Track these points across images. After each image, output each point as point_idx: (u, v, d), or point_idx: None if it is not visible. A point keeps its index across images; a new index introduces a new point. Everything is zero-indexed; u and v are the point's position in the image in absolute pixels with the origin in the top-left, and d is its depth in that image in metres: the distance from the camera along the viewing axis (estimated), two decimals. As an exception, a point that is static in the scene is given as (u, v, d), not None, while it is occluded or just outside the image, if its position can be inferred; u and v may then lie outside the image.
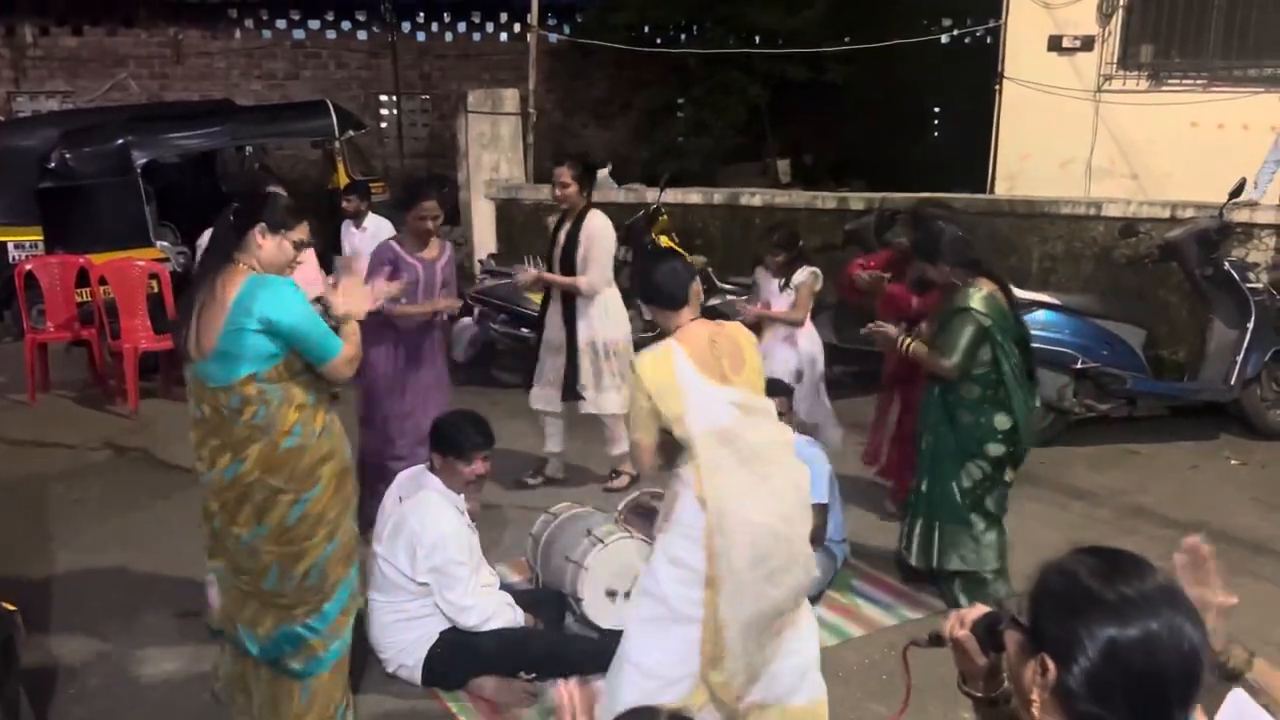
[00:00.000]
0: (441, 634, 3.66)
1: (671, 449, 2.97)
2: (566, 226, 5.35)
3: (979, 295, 4.05)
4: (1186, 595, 1.31)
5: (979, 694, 1.56)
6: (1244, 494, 5.53)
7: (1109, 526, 5.15)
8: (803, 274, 5.41)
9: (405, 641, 3.68)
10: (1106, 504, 5.40)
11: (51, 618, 4.27)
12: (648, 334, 6.45)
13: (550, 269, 5.38)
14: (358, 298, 3.18)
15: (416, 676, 3.69)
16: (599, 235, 5.25)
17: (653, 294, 3.09)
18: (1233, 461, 6.05)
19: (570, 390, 5.36)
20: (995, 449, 4.14)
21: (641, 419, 2.95)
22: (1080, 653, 1.26)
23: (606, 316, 5.38)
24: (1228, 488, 5.64)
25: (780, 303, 5.48)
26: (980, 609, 1.55)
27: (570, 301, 5.37)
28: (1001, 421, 4.11)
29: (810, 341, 5.51)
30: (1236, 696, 1.73)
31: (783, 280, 5.47)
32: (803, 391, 5.34)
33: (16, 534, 5.15)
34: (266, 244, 2.99)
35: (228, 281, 2.93)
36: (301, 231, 3.09)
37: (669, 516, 2.97)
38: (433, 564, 3.57)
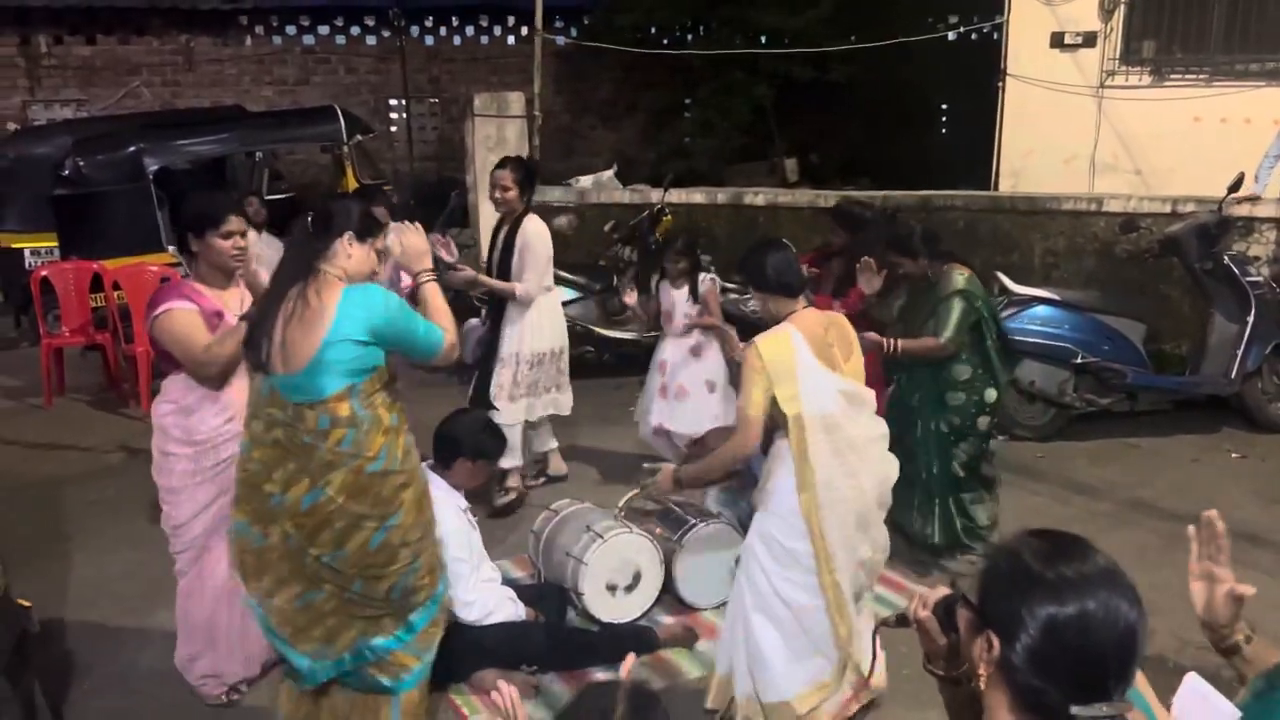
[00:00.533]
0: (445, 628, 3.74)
1: (771, 430, 3.12)
2: (504, 230, 5.24)
3: (963, 277, 4.35)
4: (1126, 577, 1.38)
5: (941, 673, 1.63)
6: (1244, 487, 5.57)
7: (1109, 519, 5.20)
8: (705, 282, 5.26)
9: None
10: (1107, 497, 5.44)
11: (66, 615, 4.37)
12: (651, 334, 6.53)
13: (490, 274, 5.29)
14: (416, 242, 3.12)
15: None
16: (534, 241, 5.10)
17: (767, 282, 3.23)
18: (1233, 455, 6.08)
19: (482, 398, 5.19)
20: (984, 422, 4.47)
21: (755, 397, 3.05)
22: (1022, 630, 1.34)
23: (539, 328, 5.25)
24: (1228, 481, 5.68)
25: (685, 313, 5.29)
26: (942, 591, 1.62)
27: (502, 307, 5.26)
28: (990, 395, 4.43)
29: (719, 351, 5.30)
30: (1191, 680, 1.79)
31: (686, 288, 5.28)
32: (715, 402, 5.23)
33: (32, 534, 5.25)
34: (355, 252, 2.91)
35: (323, 291, 2.80)
36: (382, 240, 3.05)
37: (765, 501, 3.17)
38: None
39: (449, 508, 3.68)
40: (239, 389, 3.41)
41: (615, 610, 4.05)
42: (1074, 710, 1.31)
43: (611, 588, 4.05)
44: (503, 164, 5.24)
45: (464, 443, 3.74)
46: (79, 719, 3.64)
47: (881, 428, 3.25)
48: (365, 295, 2.81)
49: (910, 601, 1.68)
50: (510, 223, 5.23)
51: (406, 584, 2.96)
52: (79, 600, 4.57)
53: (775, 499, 3.11)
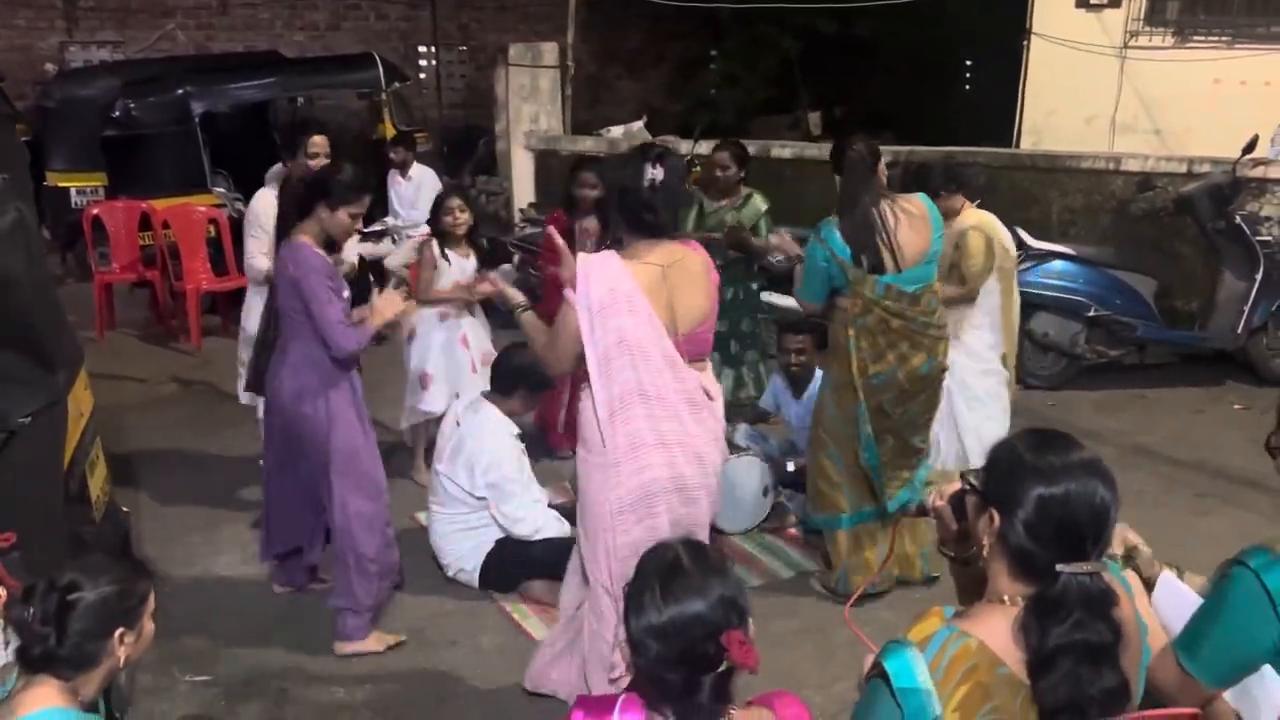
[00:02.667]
0: (497, 542, 4.08)
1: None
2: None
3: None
4: (1104, 465, 1.69)
5: (952, 554, 1.93)
6: (1243, 436, 5.82)
7: (1112, 463, 5.31)
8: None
9: (464, 549, 4.12)
10: (1111, 443, 5.72)
11: (140, 529, 4.72)
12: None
13: None
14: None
15: (474, 580, 4.13)
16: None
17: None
18: (1236, 406, 6.35)
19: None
20: None
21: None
22: (1018, 506, 1.64)
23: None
24: (1228, 430, 5.94)
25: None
26: (956, 485, 1.93)
27: None
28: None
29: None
30: (1166, 577, 2.11)
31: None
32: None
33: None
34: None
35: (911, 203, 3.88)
36: None
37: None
38: (490, 480, 3.99)
39: (503, 432, 4.00)
40: None
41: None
42: (1059, 568, 1.62)
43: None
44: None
45: (528, 375, 4.06)
46: (163, 619, 3.97)
47: None
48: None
49: (929, 496, 1.98)
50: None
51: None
52: (150, 516, 4.92)
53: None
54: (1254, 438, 5.72)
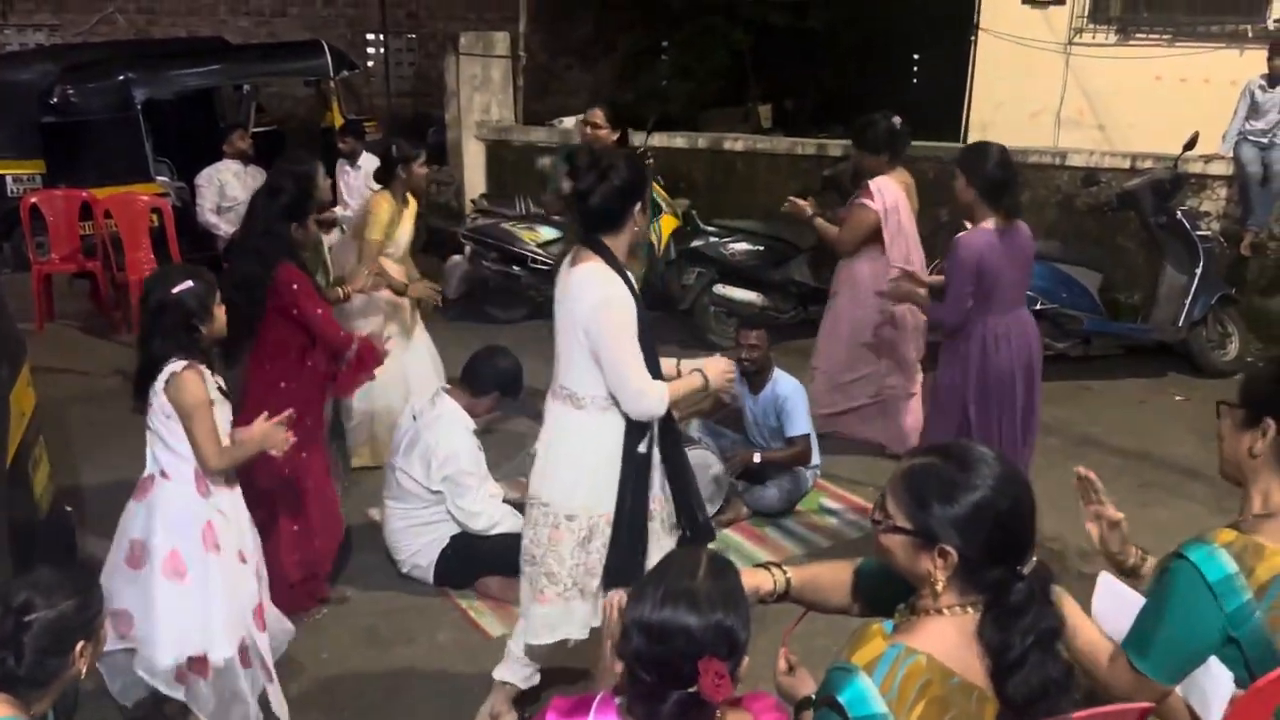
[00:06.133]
0: (452, 538, 4.06)
1: None
2: None
3: None
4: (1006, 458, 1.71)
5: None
6: (1185, 426, 5.98)
7: (1059, 454, 5.57)
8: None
9: (419, 544, 4.08)
10: (1057, 434, 5.82)
11: (87, 527, 4.59)
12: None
13: None
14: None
15: (429, 576, 4.11)
16: None
17: None
18: (1177, 398, 6.49)
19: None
20: None
21: None
22: (974, 530, 1.63)
23: None
24: (1171, 421, 6.09)
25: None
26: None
27: None
28: None
29: None
30: (1105, 577, 2.15)
31: None
32: None
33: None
34: None
35: None
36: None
37: None
38: (446, 474, 3.96)
39: (461, 426, 3.97)
40: None
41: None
42: (1023, 570, 1.63)
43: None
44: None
45: (506, 381, 4.07)
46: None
47: None
48: None
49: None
50: None
51: None
52: (94, 514, 4.80)
53: None
54: (1195, 428, 5.93)
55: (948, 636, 1.63)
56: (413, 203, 5.16)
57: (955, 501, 1.63)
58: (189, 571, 2.96)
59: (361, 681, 3.63)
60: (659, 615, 1.62)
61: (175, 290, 2.94)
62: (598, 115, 5.16)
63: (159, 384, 2.94)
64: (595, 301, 2.79)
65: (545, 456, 3.00)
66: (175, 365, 2.92)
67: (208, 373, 3.01)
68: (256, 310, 3.72)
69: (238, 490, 3.15)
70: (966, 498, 1.62)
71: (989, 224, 3.92)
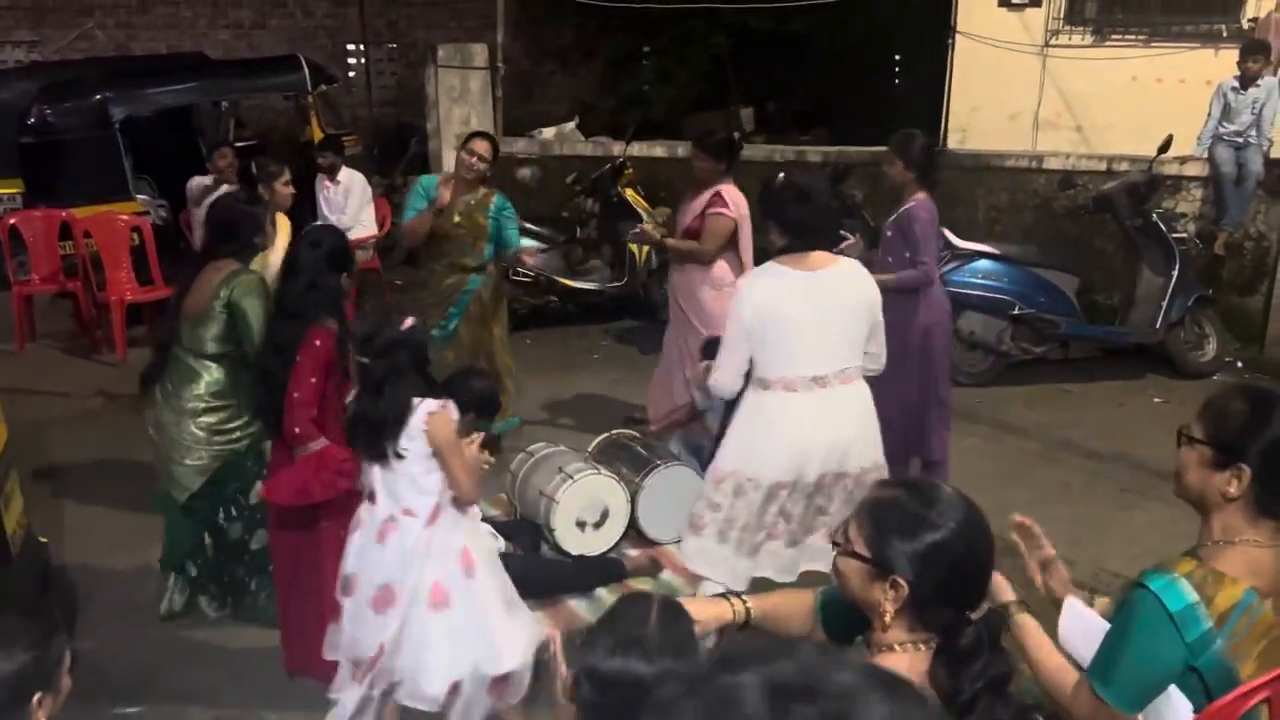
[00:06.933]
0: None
1: None
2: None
3: None
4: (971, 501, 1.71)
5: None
6: (1163, 428, 5.92)
7: (1039, 458, 5.63)
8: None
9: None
10: (1037, 438, 5.87)
11: (64, 552, 4.56)
12: (614, 284, 6.76)
13: None
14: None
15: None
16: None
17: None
18: (1156, 400, 6.54)
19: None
20: None
21: None
22: (926, 568, 1.63)
23: None
24: (1149, 423, 6.12)
25: None
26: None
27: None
28: None
29: None
30: (1072, 601, 2.17)
31: None
32: None
33: (24, 477, 5.46)
34: None
35: None
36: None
37: None
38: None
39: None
40: None
41: (584, 544, 4.38)
42: (971, 615, 1.64)
43: (581, 524, 4.37)
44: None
45: (480, 402, 4.05)
46: (89, 647, 3.90)
47: None
48: None
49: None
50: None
51: None
52: (73, 539, 4.80)
53: None
54: (1173, 431, 5.89)
55: (902, 671, 1.65)
56: (284, 223, 4.96)
57: (915, 538, 1.64)
58: (454, 600, 3.01)
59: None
60: (610, 665, 1.62)
61: (404, 329, 2.96)
62: (481, 146, 5.23)
63: (416, 426, 2.92)
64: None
65: (868, 422, 3.54)
66: (430, 405, 2.94)
67: None
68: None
69: (476, 511, 3.24)
70: (926, 536, 1.63)
71: (921, 196, 4.58)
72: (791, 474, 3.46)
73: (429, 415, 2.93)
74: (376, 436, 2.95)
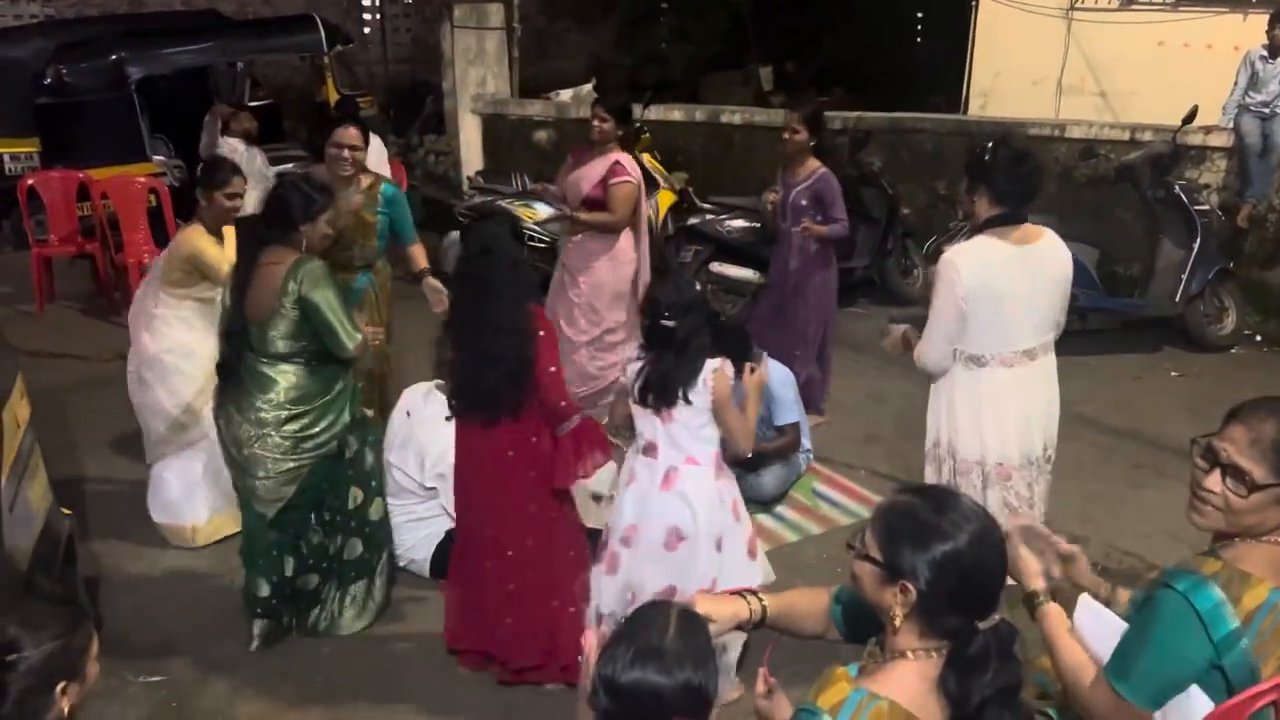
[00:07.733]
0: (448, 532, 4.10)
1: None
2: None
3: None
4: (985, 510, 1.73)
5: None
6: (1179, 403, 5.99)
7: (1054, 433, 5.61)
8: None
9: (415, 539, 4.14)
10: (1053, 413, 5.84)
11: (86, 520, 4.63)
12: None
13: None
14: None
15: (425, 569, 4.16)
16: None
17: None
18: (1173, 373, 6.50)
19: None
20: None
21: None
22: (937, 575, 1.64)
23: None
24: (1165, 397, 6.10)
25: None
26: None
27: None
28: None
29: None
30: (1084, 600, 2.19)
31: None
32: None
33: (42, 442, 5.52)
34: None
35: None
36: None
37: None
38: (440, 470, 4.00)
39: (451, 424, 4.00)
40: None
41: (599, 517, 4.42)
42: (980, 626, 1.64)
43: (596, 497, 4.40)
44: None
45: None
46: (111, 616, 3.98)
47: None
48: None
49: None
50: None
51: None
52: (95, 506, 4.86)
53: None
54: (1189, 405, 5.94)
55: (910, 683, 1.66)
56: (229, 234, 4.57)
57: (926, 545, 1.65)
58: (725, 545, 3.29)
59: (360, 674, 3.69)
60: (628, 676, 1.63)
61: (699, 289, 3.30)
62: (348, 135, 4.60)
63: (704, 382, 3.17)
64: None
65: (1053, 400, 3.81)
66: (715, 362, 3.19)
67: None
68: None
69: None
70: (937, 544, 1.65)
71: (820, 165, 5.35)
72: (1023, 448, 3.65)
73: (714, 372, 3.18)
74: (667, 389, 3.18)
